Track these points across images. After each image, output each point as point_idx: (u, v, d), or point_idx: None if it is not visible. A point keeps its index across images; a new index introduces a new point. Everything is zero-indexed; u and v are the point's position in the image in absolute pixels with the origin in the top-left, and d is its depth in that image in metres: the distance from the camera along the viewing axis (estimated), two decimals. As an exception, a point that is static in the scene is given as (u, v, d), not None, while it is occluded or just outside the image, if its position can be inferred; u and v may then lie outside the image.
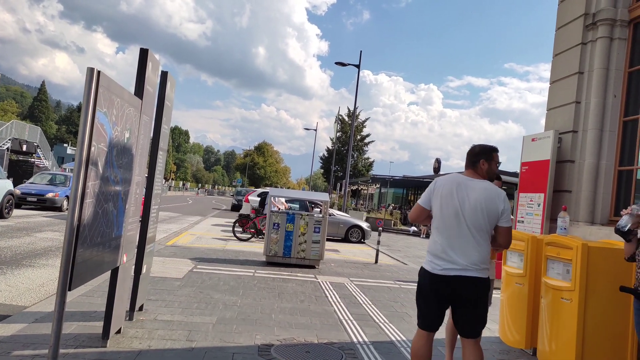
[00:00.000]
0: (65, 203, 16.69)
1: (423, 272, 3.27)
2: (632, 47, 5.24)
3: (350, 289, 7.43)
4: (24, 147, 31.23)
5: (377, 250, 11.46)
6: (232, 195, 41.76)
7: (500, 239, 3.23)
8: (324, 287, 7.37)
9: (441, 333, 3.43)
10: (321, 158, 55.32)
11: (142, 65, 3.98)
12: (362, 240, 16.03)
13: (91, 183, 3.02)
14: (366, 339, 4.84)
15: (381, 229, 12.26)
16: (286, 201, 14.25)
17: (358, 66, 23.08)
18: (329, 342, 4.62)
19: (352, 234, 15.94)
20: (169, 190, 54.88)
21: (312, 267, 9.26)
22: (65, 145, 71.47)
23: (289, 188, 78.73)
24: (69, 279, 2.82)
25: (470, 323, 3.19)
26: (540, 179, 5.60)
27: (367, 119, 53.22)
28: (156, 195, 4.82)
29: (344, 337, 4.84)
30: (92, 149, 2.95)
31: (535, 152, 5.77)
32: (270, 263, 9.17)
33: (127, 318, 4.55)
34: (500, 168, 3.74)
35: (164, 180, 6.05)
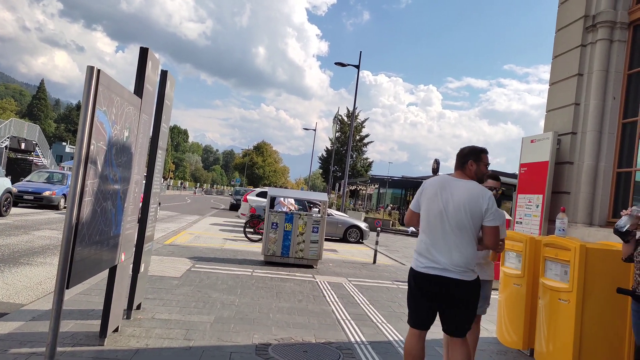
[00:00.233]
0: (62, 201, 16.64)
1: (410, 270, 3.33)
2: (632, 49, 5.25)
3: (348, 289, 7.43)
4: (23, 146, 31.19)
5: (375, 251, 11.46)
6: (231, 195, 41.74)
7: (485, 239, 3.18)
8: (322, 287, 7.37)
9: (439, 333, 3.42)
10: (320, 158, 55.31)
11: (142, 64, 3.98)
12: (361, 240, 16.04)
13: (90, 181, 3.02)
14: (364, 339, 4.84)
15: (379, 229, 12.26)
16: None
17: (358, 67, 23.08)
18: (327, 342, 4.62)
19: (351, 234, 15.94)
20: (168, 189, 54.82)
21: (310, 266, 9.26)
22: (64, 143, 71.37)
23: (287, 188, 78.72)
24: (67, 277, 2.82)
25: (453, 322, 3.20)
26: (539, 180, 5.61)
27: (366, 120, 53.21)
28: (155, 194, 4.82)
29: (342, 337, 4.84)
30: (92, 147, 2.94)
31: (534, 154, 5.78)
32: (268, 262, 9.17)
33: (125, 317, 4.55)
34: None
35: (162, 179, 6.05)
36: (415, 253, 3.32)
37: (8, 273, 6.37)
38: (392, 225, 26.20)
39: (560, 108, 5.73)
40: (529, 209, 5.73)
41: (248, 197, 20.00)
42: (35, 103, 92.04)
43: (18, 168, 27.78)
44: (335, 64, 23.64)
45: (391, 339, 4.98)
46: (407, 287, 3.40)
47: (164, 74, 4.72)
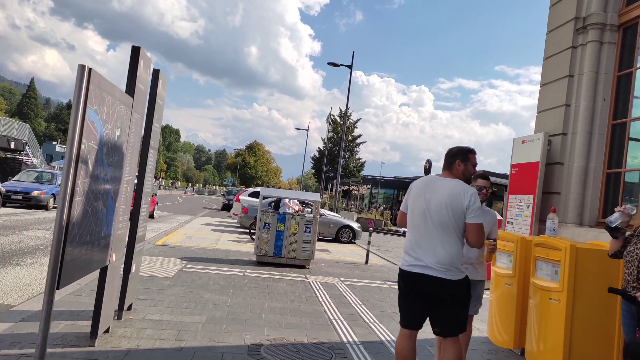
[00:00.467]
0: (51, 201, 16.47)
1: (399, 269, 3.36)
2: (621, 51, 5.30)
3: (341, 289, 7.44)
4: (12, 145, 30.87)
5: (368, 251, 11.48)
6: (223, 195, 41.62)
7: (468, 236, 3.17)
8: (314, 287, 7.37)
9: (431, 332, 3.43)
10: (312, 158, 55.28)
11: (134, 63, 3.96)
12: (353, 240, 16.05)
13: (81, 181, 3.00)
14: (356, 339, 4.85)
15: (372, 229, 12.29)
16: (276, 201, 14.23)
17: (350, 67, 23.11)
18: (319, 342, 4.62)
19: (343, 234, 15.95)
20: (159, 189, 54.55)
21: (303, 267, 9.25)
22: (55, 143, 70.76)
23: (280, 188, 78.62)
24: (58, 278, 2.79)
25: (440, 322, 3.21)
26: (529, 180, 5.65)
27: (358, 120, 53.28)
28: (146, 194, 4.79)
29: (334, 337, 4.84)
30: (82, 146, 2.92)
31: (525, 154, 5.82)
32: (260, 263, 9.15)
33: (116, 317, 4.52)
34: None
35: (154, 179, 6.02)
36: (403, 252, 3.35)
37: (-3, 273, 6.31)
38: (384, 226, 26.25)
39: (551, 109, 5.78)
40: (520, 209, 5.77)
41: (240, 197, 19.94)
42: (25, 102, 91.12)
43: (7, 167, 27.54)
44: (328, 64, 23.65)
45: (383, 338, 4.99)
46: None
47: (155, 73, 4.70)
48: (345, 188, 44.30)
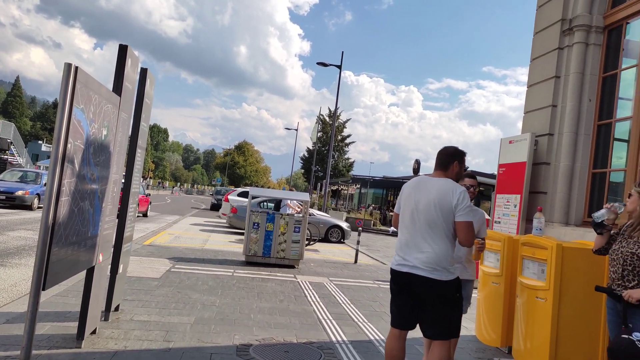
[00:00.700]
0: (36, 201, 16.21)
1: (390, 269, 3.37)
2: (607, 52, 5.37)
3: (330, 289, 7.45)
4: (-3, 144, 30.42)
5: (357, 250, 11.51)
6: (212, 195, 41.42)
7: (458, 234, 3.14)
8: (303, 287, 7.37)
9: (420, 331, 3.45)
10: (302, 158, 55.28)
11: (121, 61, 3.92)
12: (342, 240, 16.07)
13: (67, 181, 2.96)
14: (345, 339, 4.86)
15: (361, 229, 12.31)
16: (267, 201, 14.21)
17: (340, 67, 23.13)
18: (308, 342, 4.62)
19: (332, 234, 15.96)
20: (147, 188, 54.05)
21: (292, 266, 9.24)
22: (40, 142, 69.88)
23: (269, 188, 78.40)
24: (43, 279, 2.76)
25: (427, 323, 3.19)
26: (516, 180, 5.70)
27: (348, 120, 53.45)
28: (134, 194, 4.75)
29: (323, 337, 4.85)
30: (69, 146, 2.89)
31: (512, 154, 5.88)
32: (249, 263, 9.12)
33: (103, 318, 4.47)
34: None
35: (142, 179, 5.97)
36: (394, 252, 3.37)
37: (-19, 275, 6.21)
38: (373, 225, 26.33)
39: (537, 110, 5.84)
40: (507, 209, 5.82)
41: (229, 197, 19.86)
42: (10, 100, 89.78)
43: (-8, 167, 27.08)
44: (317, 63, 23.66)
45: (372, 338, 5.01)
46: (388, 286, 3.43)
47: (143, 72, 4.66)
48: (334, 188, 44.34)
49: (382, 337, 5.03)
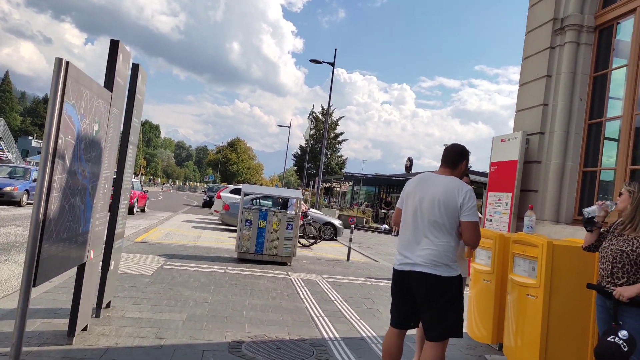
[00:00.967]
0: (25, 197, 16.04)
1: (392, 268, 3.34)
2: (598, 52, 5.41)
3: (322, 286, 7.46)
4: (-14, 139, 30.11)
5: (349, 248, 11.53)
6: (204, 192, 41.28)
7: (464, 235, 3.12)
8: (295, 284, 7.38)
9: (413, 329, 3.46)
10: (294, 155, 55.27)
11: (113, 57, 3.89)
12: (335, 237, 16.09)
13: (58, 177, 2.94)
14: (337, 335, 4.87)
15: (353, 226, 12.35)
16: (260, 198, 14.18)
17: (333, 64, 23.13)
18: (300, 339, 4.63)
19: (325, 232, 15.97)
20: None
21: (284, 264, 9.25)
22: (30, 137, 69.25)
23: (262, 185, 78.33)
24: (34, 275, 2.74)
25: (427, 323, 3.14)
26: (508, 178, 5.74)
27: (341, 118, 53.47)
28: (125, 190, 4.73)
29: (315, 334, 4.86)
30: (59, 141, 2.87)
31: (504, 153, 5.91)
32: (242, 260, 9.12)
33: (94, 315, 4.45)
34: (470, 168, 3.79)
35: (133, 175, 5.94)
36: (396, 251, 3.32)
37: (-30, 271, 6.15)
38: (365, 223, 26.38)
39: (529, 108, 5.87)
40: (498, 207, 5.86)
41: (222, 193, 19.81)
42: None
43: (-19, 163, 26.79)
44: (311, 61, 23.65)
45: (364, 335, 5.03)
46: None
47: (135, 68, 4.63)
48: (327, 185, 44.39)
49: (374, 334, 5.06)
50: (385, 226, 25.57)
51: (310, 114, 41.24)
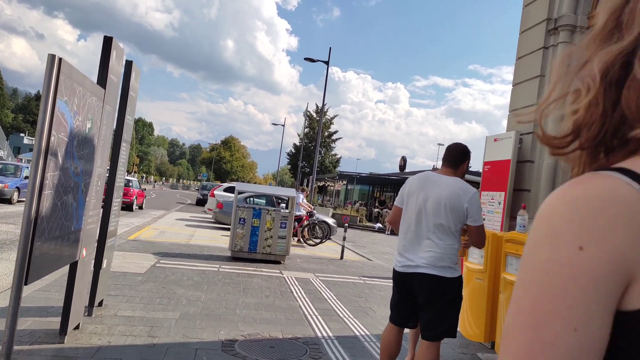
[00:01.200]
0: (15, 195, 15.90)
1: (393, 269, 3.32)
2: (590, 52, 5.45)
3: (316, 285, 7.46)
4: (-23, 136, 29.83)
5: (343, 246, 11.54)
6: (197, 190, 41.14)
7: (471, 238, 3.13)
8: (289, 283, 7.37)
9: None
10: (288, 154, 55.19)
11: (106, 53, 3.87)
12: (328, 236, 16.09)
13: (50, 174, 2.92)
14: (331, 334, 4.88)
15: (347, 225, 12.35)
16: (253, 197, 14.16)
17: (327, 63, 23.11)
18: (294, 337, 4.63)
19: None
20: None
21: (278, 262, 9.24)
22: (22, 134, 68.75)
23: (256, 183, 78.20)
24: (26, 273, 2.72)
25: (426, 323, 3.14)
26: (501, 178, 5.76)
27: (335, 116, 53.42)
28: (118, 188, 4.70)
29: (309, 332, 4.86)
30: (52, 138, 2.85)
31: (497, 152, 5.94)
32: (235, 258, 9.10)
33: (86, 314, 4.43)
34: (470, 168, 3.78)
35: (126, 174, 5.91)
36: (396, 252, 3.29)
37: (-40, 269, 6.10)
38: (359, 222, 26.42)
39: (522, 108, 5.90)
40: (491, 206, 5.89)
41: (215, 192, 19.76)
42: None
43: (-28, 160, 26.56)
44: (305, 59, 23.60)
45: (358, 333, 5.03)
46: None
47: (128, 65, 4.61)
48: (321, 184, 44.41)
49: (368, 333, 5.07)
50: (379, 225, 25.62)
51: (304, 113, 41.24)
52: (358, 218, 26.85)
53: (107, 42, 3.87)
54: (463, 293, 5.25)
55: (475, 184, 4.24)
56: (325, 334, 4.86)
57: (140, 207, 20.63)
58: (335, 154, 53.07)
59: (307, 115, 45.80)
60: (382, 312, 5.99)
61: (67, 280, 3.78)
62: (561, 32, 5.49)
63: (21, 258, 2.70)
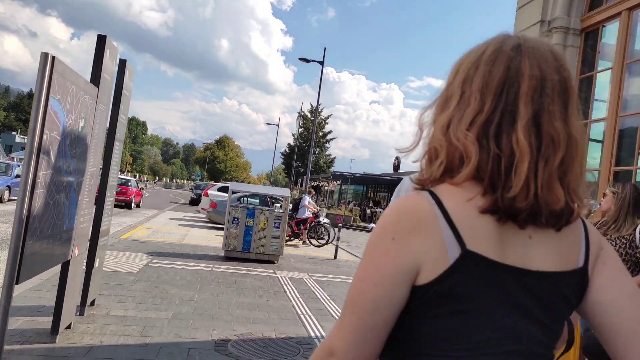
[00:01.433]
0: (6, 193, 15.77)
1: None
2: (583, 54, 5.49)
3: (309, 284, 7.46)
4: (-32, 134, 29.56)
5: (336, 246, 11.55)
6: (191, 189, 41.00)
7: None
8: (282, 282, 7.37)
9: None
10: (282, 154, 55.17)
11: (100, 52, 3.85)
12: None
13: (42, 173, 2.90)
14: (324, 334, 4.88)
15: (341, 225, 12.36)
16: (247, 196, 14.14)
17: (322, 63, 23.11)
18: (287, 337, 4.63)
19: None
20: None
21: (272, 262, 9.23)
22: (14, 133, 68.27)
23: (250, 183, 78.06)
24: (17, 272, 2.70)
25: None
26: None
27: (329, 116, 53.46)
28: (111, 187, 4.68)
29: (302, 332, 4.86)
30: (44, 137, 2.83)
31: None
32: (228, 258, 9.08)
33: (78, 313, 4.40)
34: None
35: (119, 172, 5.88)
36: None
37: (-49, 268, 6.04)
38: (353, 222, 26.44)
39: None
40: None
41: (209, 191, 19.71)
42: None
43: (-37, 158, 26.31)
44: (300, 59, 23.58)
45: (350, 333, 5.04)
46: None
47: (122, 63, 4.59)
48: (315, 184, 44.40)
49: (361, 333, 5.07)
50: (372, 225, 25.66)
51: (299, 113, 41.23)
52: (352, 218, 26.87)
53: (101, 41, 3.86)
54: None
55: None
56: (318, 334, 4.86)
57: (138, 205, 21.46)
58: (330, 154, 53.13)
59: (302, 116, 45.82)
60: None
61: (59, 279, 3.76)
62: (555, 34, 5.53)
63: (12, 257, 2.68)
